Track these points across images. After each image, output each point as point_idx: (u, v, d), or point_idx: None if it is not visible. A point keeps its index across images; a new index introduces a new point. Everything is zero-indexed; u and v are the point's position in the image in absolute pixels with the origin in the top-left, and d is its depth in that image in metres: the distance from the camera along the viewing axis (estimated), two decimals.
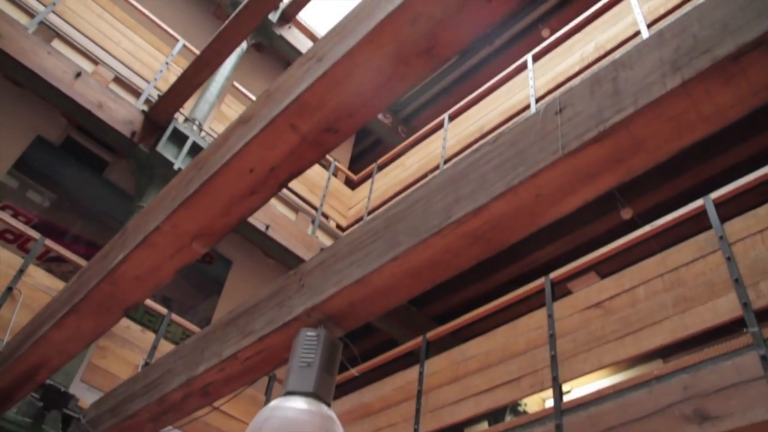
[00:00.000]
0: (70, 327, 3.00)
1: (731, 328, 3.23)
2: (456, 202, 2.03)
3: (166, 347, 5.04)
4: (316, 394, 2.11)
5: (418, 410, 4.36)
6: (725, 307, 3.31)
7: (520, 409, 6.13)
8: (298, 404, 2.06)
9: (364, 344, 7.48)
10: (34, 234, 5.02)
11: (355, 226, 3.56)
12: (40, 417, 4.11)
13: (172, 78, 6.20)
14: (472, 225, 1.98)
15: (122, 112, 5.92)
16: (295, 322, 2.40)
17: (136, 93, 6.29)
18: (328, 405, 2.14)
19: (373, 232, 2.26)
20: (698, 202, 3.87)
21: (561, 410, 3.53)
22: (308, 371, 2.15)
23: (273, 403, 2.09)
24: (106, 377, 4.77)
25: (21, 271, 4.71)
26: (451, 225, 1.99)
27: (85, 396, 4.48)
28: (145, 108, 6.14)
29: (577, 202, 1.92)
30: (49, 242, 4.98)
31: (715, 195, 3.81)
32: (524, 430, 3.65)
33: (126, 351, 5.01)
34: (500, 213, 1.94)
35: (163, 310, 5.32)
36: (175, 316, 5.31)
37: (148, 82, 6.39)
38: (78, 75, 5.72)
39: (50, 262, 5.92)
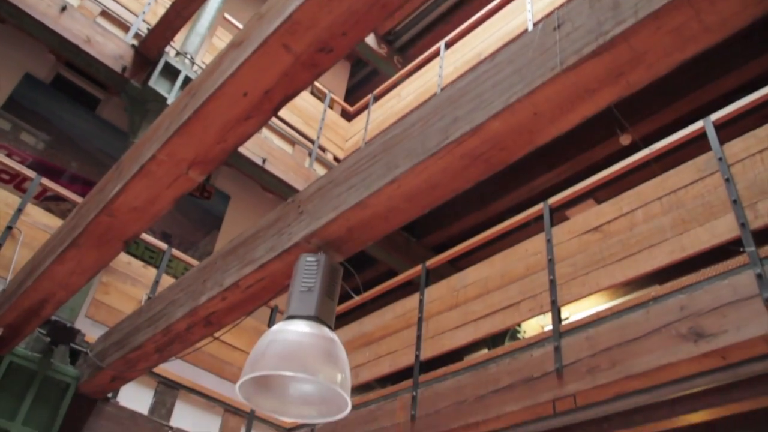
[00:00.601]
0: (71, 261, 3.01)
1: (729, 248, 3.25)
2: (453, 122, 2.00)
3: (167, 282, 5.08)
4: (317, 318, 2.13)
5: (418, 337, 4.44)
6: (723, 228, 3.32)
7: (519, 336, 6.25)
8: (301, 327, 2.09)
9: (364, 276, 7.56)
10: (29, 173, 4.99)
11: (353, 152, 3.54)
12: (49, 352, 4.18)
13: (161, 11, 6.05)
14: (470, 145, 1.96)
15: (111, 47, 5.79)
16: (295, 248, 2.41)
17: (124, 27, 6.14)
18: (330, 328, 2.17)
19: (371, 156, 2.25)
20: (698, 124, 3.84)
21: (559, 333, 3.60)
22: (309, 296, 2.17)
23: (275, 327, 2.12)
24: (110, 312, 4.83)
25: (19, 210, 4.70)
26: (448, 146, 1.97)
27: (91, 331, 4.54)
28: (135, 42, 6.01)
29: (575, 119, 1.89)
30: (45, 181, 4.96)
31: (715, 117, 3.77)
32: (523, 352, 3.72)
33: (128, 287, 5.06)
34: (498, 132, 1.92)
35: (163, 246, 5.34)
36: (175, 251, 5.35)
37: (136, 15, 6.24)
38: (63, 9, 5.57)
39: (48, 202, 5.91)
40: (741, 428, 3.87)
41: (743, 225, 3.22)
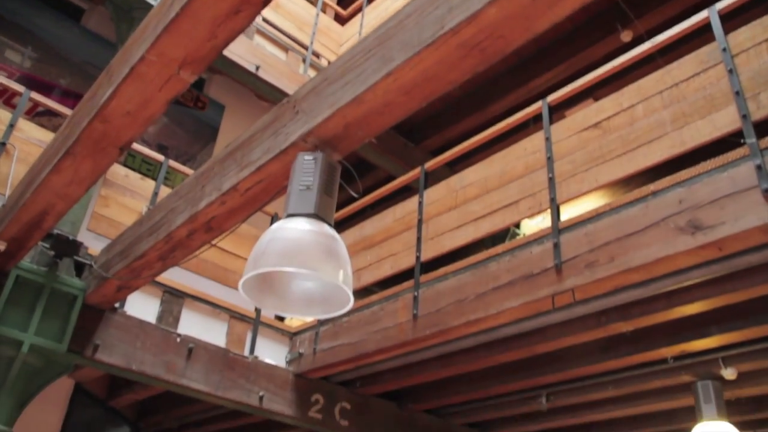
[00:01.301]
0: (67, 170, 3.00)
1: (730, 140, 3.22)
2: (449, 11, 1.93)
3: (166, 194, 5.09)
4: (317, 215, 2.14)
5: (419, 239, 4.48)
6: (724, 120, 3.28)
7: (519, 236, 6.32)
8: (301, 225, 2.09)
9: (363, 182, 7.57)
10: (18, 88, 4.89)
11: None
12: (54, 265, 4.23)
13: None
14: (467, 34, 1.90)
15: None
16: (292, 148, 2.39)
17: None
18: (330, 225, 2.18)
19: (366, 50, 2.19)
20: (702, 14, 3.72)
21: (558, 229, 3.62)
22: (308, 194, 2.17)
23: (275, 225, 2.13)
24: (111, 225, 4.85)
25: (11, 126, 4.64)
26: (444, 36, 1.92)
27: (93, 245, 4.58)
28: None
29: (575, 4, 1.83)
30: (35, 95, 4.87)
31: (720, 5, 3.65)
32: (522, 250, 3.76)
33: (128, 199, 5.06)
34: (495, 19, 1.85)
35: (160, 157, 5.31)
36: (173, 163, 5.32)
37: None
38: None
39: (40, 117, 5.83)
40: (735, 319, 3.97)
41: (745, 117, 3.18)
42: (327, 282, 2.16)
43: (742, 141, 3.18)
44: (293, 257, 2.01)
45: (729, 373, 4.48)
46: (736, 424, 4.53)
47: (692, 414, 4.79)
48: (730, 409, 4.69)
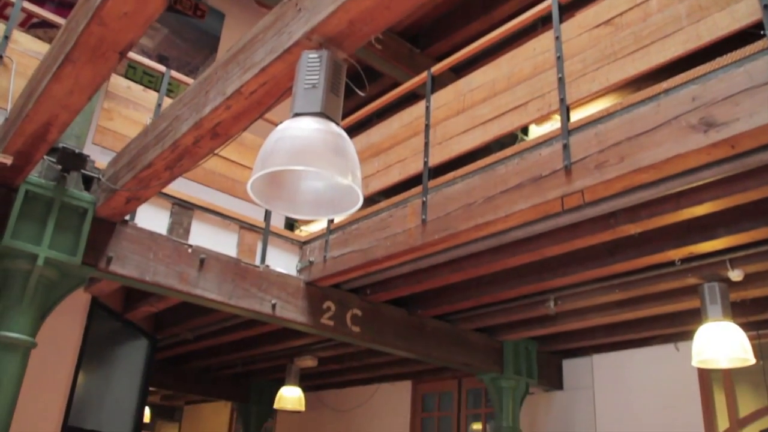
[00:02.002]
0: (68, 78, 2.94)
1: (748, 31, 3.11)
2: None
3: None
4: (324, 114, 2.10)
5: (426, 144, 4.44)
6: (743, 11, 3.16)
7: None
8: (308, 124, 2.06)
9: (370, 90, 7.45)
10: None
11: None
12: (62, 179, 4.23)
13: None
14: None
15: None
16: (296, 47, 2.32)
17: None
18: (338, 124, 2.14)
19: None
20: None
21: (568, 130, 3.57)
22: (314, 92, 2.12)
23: (282, 125, 2.09)
24: (116, 138, 4.82)
25: (6, 38, 4.53)
26: None
27: (100, 158, 4.57)
28: None
29: None
30: (28, 5, 4.73)
31: None
32: (532, 152, 3.72)
33: (131, 111, 5.01)
34: None
35: (162, 68, 5.21)
36: (175, 74, 5.22)
37: None
38: None
39: (36, 29, 5.70)
40: (744, 220, 3.97)
41: (766, 7, 3.06)
42: (336, 181, 2.14)
43: (762, 33, 3.07)
44: (301, 156, 1.99)
45: (735, 275, 4.52)
46: (741, 325, 4.61)
47: (697, 316, 4.87)
48: (735, 311, 4.76)
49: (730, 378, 6.20)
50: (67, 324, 5.88)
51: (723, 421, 6.18)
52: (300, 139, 2.01)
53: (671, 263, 4.58)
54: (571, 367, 7.45)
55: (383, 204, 4.64)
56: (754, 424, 5.95)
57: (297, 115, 2.11)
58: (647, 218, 3.92)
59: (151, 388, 8.82)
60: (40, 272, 4.06)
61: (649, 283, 4.96)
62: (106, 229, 4.41)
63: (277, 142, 2.02)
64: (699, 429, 6.22)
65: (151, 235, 4.61)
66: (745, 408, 6.07)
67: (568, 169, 3.48)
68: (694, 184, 3.54)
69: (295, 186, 2.20)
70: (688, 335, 5.47)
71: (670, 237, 4.25)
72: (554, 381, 7.38)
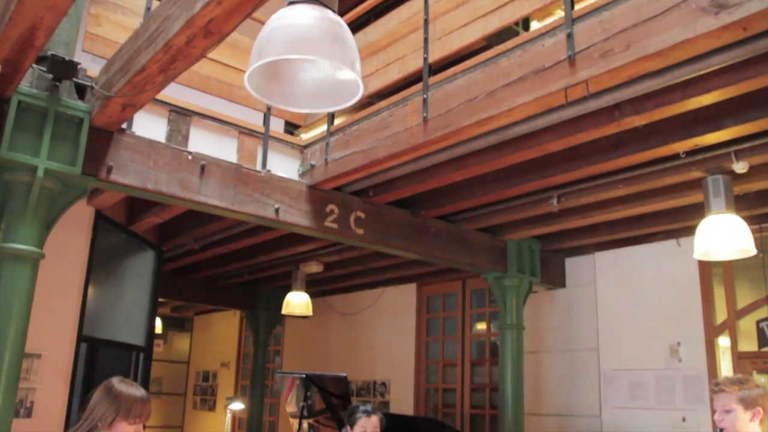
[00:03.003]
0: None
1: None
2: None
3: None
4: (320, 1, 2.01)
5: (426, 39, 4.30)
6: None
7: None
8: (304, 11, 1.97)
9: None
10: None
11: None
12: (55, 88, 4.14)
13: None
14: None
15: None
16: None
17: None
18: (334, 12, 2.05)
19: None
20: None
21: (572, 19, 3.45)
22: None
23: (277, 14, 2.01)
24: (107, 44, 4.67)
25: None
26: None
27: (91, 67, 4.46)
28: None
29: None
30: None
31: None
32: (534, 44, 3.60)
33: (119, 16, 4.83)
34: None
35: None
36: None
37: None
38: None
39: None
40: (751, 109, 3.89)
41: None
42: (335, 71, 2.08)
43: None
44: (299, 45, 1.92)
45: (740, 167, 4.49)
46: (743, 219, 4.62)
47: (700, 211, 4.87)
48: (738, 204, 4.76)
49: (730, 273, 6.29)
50: (73, 238, 5.93)
51: (721, 314, 6.32)
52: (297, 28, 1.93)
53: (676, 156, 4.54)
54: (573, 265, 7.56)
55: (383, 103, 4.56)
56: (751, 315, 6.09)
57: (292, 3, 2.02)
58: (653, 109, 3.84)
59: (160, 300, 9.00)
60: (41, 184, 4.05)
61: (652, 178, 4.94)
62: (104, 138, 4.35)
63: (273, 32, 1.94)
64: (698, 322, 6.37)
65: (150, 143, 4.56)
66: (744, 301, 6.20)
67: (572, 60, 3.38)
68: (703, 72, 3.45)
69: (293, 77, 2.13)
70: (690, 231, 5.49)
71: (675, 129, 4.19)
72: (557, 279, 7.51)
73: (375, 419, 3.56)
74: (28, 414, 5.20)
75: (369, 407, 3.62)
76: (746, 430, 2.47)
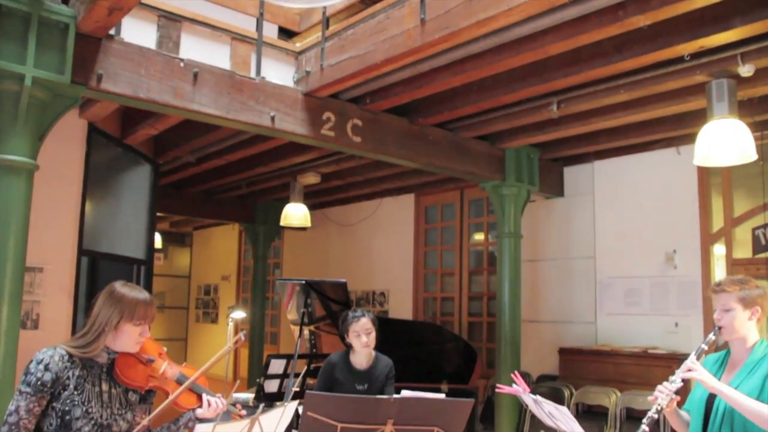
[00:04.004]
0: None
1: None
2: None
3: None
4: None
5: None
6: None
7: None
8: None
9: None
10: None
11: None
12: None
13: None
14: None
15: None
16: None
17: None
18: None
19: None
20: None
21: None
22: None
23: None
24: None
25: None
26: None
27: None
28: None
29: None
30: None
31: None
32: None
33: None
34: None
35: None
36: None
37: None
38: None
39: None
40: (763, 6, 3.76)
41: None
42: None
43: None
44: None
45: (746, 70, 4.40)
46: (746, 125, 4.56)
47: (702, 117, 4.81)
48: (741, 111, 4.69)
49: (728, 181, 6.29)
50: (67, 151, 5.87)
51: (718, 222, 6.36)
52: None
53: (680, 59, 4.43)
54: (572, 173, 7.54)
55: (379, 6, 4.39)
56: (747, 223, 6.12)
57: None
58: (658, 8, 3.71)
59: (159, 214, 9.02)
60: (30, 93, 3.95)
61: (655, 82, 4.84)
62: (92, 45, 4.22)
63: None
64: (694, 229, 6.42)
65: (140, 50, 4.42)
66: (741, 210, 6.22)
67: None
68: None
69: None
70: (690, 138, 5.44)
71: (680, 30, 4.06)
72: (555, 188, 7.50)
73: (364, 320, 3.60)
74: (35, 326, 5.30)
75: (358, 311, 3.66)
76: (743, 328, 2.50)
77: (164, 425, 2.30)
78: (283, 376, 4.47)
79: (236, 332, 12.29)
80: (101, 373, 2.15)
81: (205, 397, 2.28)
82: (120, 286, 2.19)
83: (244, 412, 2.33)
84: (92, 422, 2.07)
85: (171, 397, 2.18)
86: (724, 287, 2.56)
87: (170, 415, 2.31)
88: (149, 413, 2.26)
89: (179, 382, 2.24)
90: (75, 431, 2.04)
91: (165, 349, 2.37)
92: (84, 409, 2.06)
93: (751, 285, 2.55)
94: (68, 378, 2.05)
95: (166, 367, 2.25)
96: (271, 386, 4.45)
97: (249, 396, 4.64)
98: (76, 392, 2.06)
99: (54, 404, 2.04)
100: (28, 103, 3.97)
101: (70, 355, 2.09)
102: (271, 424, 2.19)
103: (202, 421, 2.18)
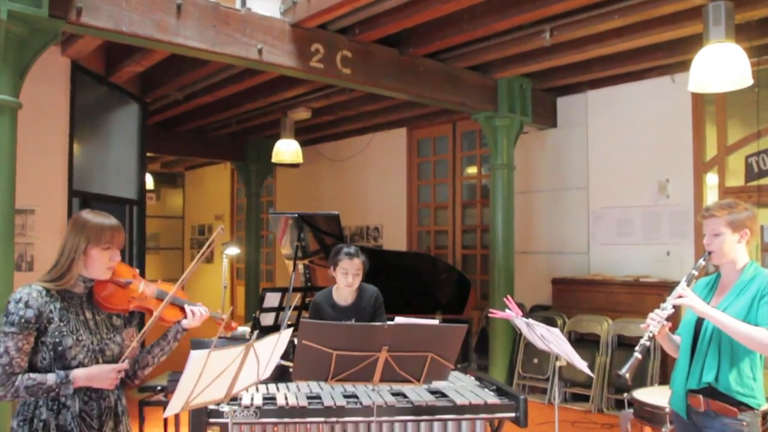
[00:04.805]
0: None
1: None
2: None
3: None
4: None
5: None
6: None
7: None
8: None
9: None
10: None
11: None
12: None
13: None
14: None
15: None
16: None
17: None
18: None
19: None
20: None
21: None
22: None
23: None
24: None
25: None
26: None
27: None
28: None
29: None
30: None
31: None
32: None
33: None
34: None
35: None
36: None
37: None
38: None
39: None
40: None
41: None
42: None
43: None
44: None
45: None
46: (743, 50, 4.47)
47: (697, 44, 4.70)
48: (738, 35, 4.58)
49: (723, 109, 6.23)
50: (51, 91, 5.76)
51: (711, 151, 6.34)
52: None
53: None
54: (565, 104, 7.46)
55: None
56: (741, 151, 6.10)
57: None
58: None
59: (149, 155, 8.93)
60: (7, 27, 3.83)
61: (651, 7, 4.74)
62: None
63: None
64: (688, 158, 6.41)
65: None
66: (735, 138, 6.18)
67: None
68: None
69: None
70: (685, 66, 5.34)
71: None
72: (548, 119, 7.44)
73: (357, 262, 3.53)
74: (30, 268, 5.31)
75: (353, 249, 3.59)
76: (733, 252, 2.51)
77: (154, 342, 2.33)
78: (279, 309, 4.50)
79: (231, 270, 12.40)
80: (82, 303, 2.15)
81: (187, 307, 2.30)
82: (85, 213, 2.17)
83: (225, 316, 2.33)
84: (85, 349, 2.07)
85: (157, 313, 2.18)
86: (712, 212, 2.55)
87: (157, 332, 2.34)
88: (138, 333, 2.27)
89: (160, 298, 2.24)
90: (71, 359, 2.05)
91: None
92: (75, 337, 2.06)
93: (740, 208, 2.54)
94: (51, 312, 2.05)
95: (144, 287, 2.24)
96: (267, 319, 4.48)
97: (245, 329, 4.69)
98: (62, 323, 2.05)
99: (43, 339, 2.03)
100: (6, 39, 3.85)
101: (47, 290, 2.08)
102: (266, 352, 2.21)
103: (201, 346, 2.19)
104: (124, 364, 2.13)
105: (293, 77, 5.87)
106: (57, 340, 2.04)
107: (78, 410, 2.08)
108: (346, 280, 3.54)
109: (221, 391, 2.16)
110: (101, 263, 2.14)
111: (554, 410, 3.12)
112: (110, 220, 2.17)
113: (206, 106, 8.27)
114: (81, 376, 2.05)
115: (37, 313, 2.03)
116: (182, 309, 2.30)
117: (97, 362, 2.11)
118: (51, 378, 2.01)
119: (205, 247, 2.28)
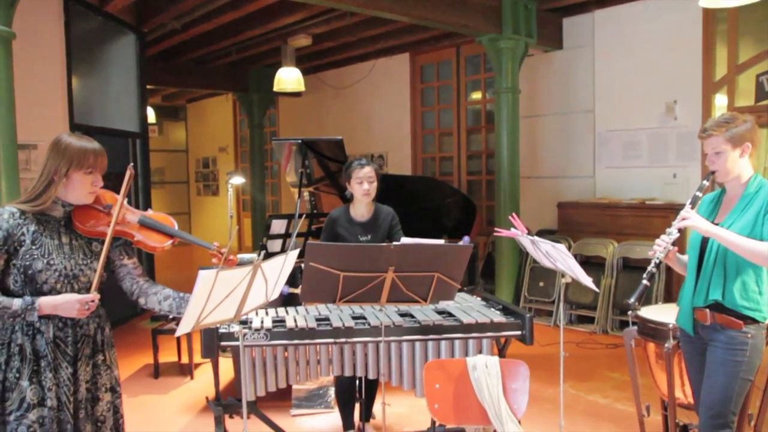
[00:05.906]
0: None
1: None
2: None
3: None
4: None
5: None
6: None
7: None
8: None
9: None
10: None
11: None
12: None
13: None
14: None
15: None
16: None
17: None
18: None
19: None
20: None
21: None
22: None
23: None
24: None
25: None
26: None
27: None
28: None
29: None
30: None
31: None
32: None
33: None
34: None
35: None
36: None
37: None
38: None
39: None
40: None
41: None
42: None
43: None
44: None
45: None
46: None
47: None
48: None
49: (734, 27, 6.05)
50: (45, 23, 5.65)
51: (721, 70, 6.20)
52: None
53: None
54: (571, 25, 7.27)
55: None
56: (751, 70, 5.96)
57: None
58: None
59: (149, 87, 8.82)
60: None
61: None
62: None
63: None
64: (697, 78, 6.28)
65: None
66: (746, 57, 6.03)
67: None
68: None
69: None
70: None
71: None
72: (554, 41, 7.26)
73: (368, 168, 3.50)
74: None
75: (363, 160, 3.57)
76: (736, 167, 2.47)
77: (174, 294, 2.25)
78: (286, 236, 4.52)
79: (237, 199, 12.41)
80: (59, 227, 2.12)
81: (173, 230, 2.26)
82: (67, 136, 2.11)
83: (224, 250, 2.23)
84: (57, 273, 2.05)
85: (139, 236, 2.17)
86: (711, 131, 2.50)
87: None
88: (127, 256, 2.27)
89: (142, 224, 2.22)
90: (41, 284, 2.03)
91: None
92: (45, 261, 2.03)
93: (738, 122, 2.49)
94: (23, 234, 2.03)
95: (125, 212, 2.21)
96: (275, 246, 4.50)
97: (253, 256, 4.72)
98: (33, 246, 2.03)
99: (14, 261, 2.01)
100: None
101: (22, 212, 2.05)
102: (274, 272, 2.22)
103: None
104: (92, 295, 2.07)
105: (292, 1, 5.72)
106: (27, 263, 2.02)
107: (52, 336, 2.07)
108: (362, 188, 3.50)
109: (231, 311, 2.18)
110: (83, 187, 2.09)
111: (560, 331, 3.16)
112: (93, 144, 2.12)
113: (205, 35, 8.11)
114: (46, 303, 2.02)
115: (6, 234, 2.00)
116: (168, 235, 2.25)
117: (72, 288, 2.09)
118: (17, 303, 1.99)
119: (123, 187, 2.14)
